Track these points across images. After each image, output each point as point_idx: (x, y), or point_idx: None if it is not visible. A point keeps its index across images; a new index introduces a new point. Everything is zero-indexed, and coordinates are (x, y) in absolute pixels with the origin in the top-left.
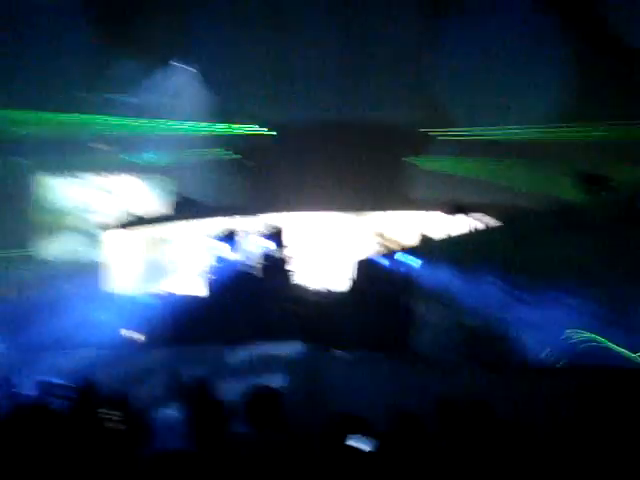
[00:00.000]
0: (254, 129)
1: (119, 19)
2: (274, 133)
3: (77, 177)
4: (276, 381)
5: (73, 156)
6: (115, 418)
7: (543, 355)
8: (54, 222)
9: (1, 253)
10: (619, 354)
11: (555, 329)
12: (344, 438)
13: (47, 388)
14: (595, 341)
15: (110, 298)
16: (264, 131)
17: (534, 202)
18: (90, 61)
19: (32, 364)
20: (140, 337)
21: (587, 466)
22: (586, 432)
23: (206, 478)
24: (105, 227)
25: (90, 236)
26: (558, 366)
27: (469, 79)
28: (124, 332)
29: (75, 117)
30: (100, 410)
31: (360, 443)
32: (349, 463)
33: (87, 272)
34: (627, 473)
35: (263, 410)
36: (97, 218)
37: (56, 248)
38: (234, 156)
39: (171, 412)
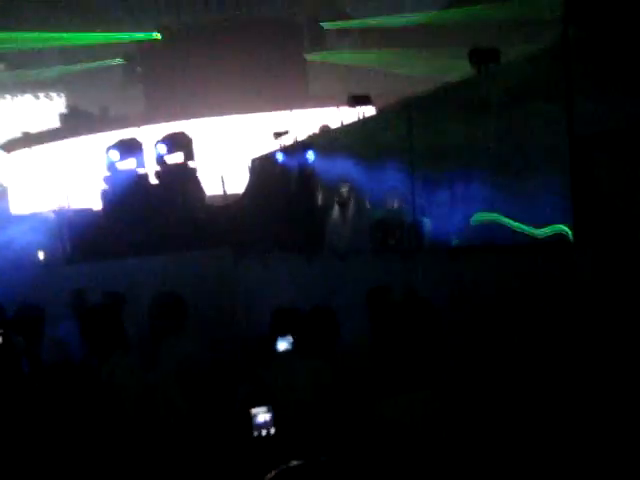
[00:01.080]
0: (142, 35)
1: None
2: (162, 37)
3: None
4: (190, 289)
5: None
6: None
7: (451, 238)
8: None
9: None
10: (521, 232)
11: (460, 212)
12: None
13: None
14: (499, 221)
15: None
16: (152, 36)
17: (430, 87)
18: None
19: None
20: (43, 254)
21: (497, 336)
22: (499, 308)
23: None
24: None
25: None
26: (465, 247)
27: None
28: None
29: None
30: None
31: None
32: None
33: None
34: (532, 343)
35: (170, 316)
36: None
37: None
38: (125, 64)
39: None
